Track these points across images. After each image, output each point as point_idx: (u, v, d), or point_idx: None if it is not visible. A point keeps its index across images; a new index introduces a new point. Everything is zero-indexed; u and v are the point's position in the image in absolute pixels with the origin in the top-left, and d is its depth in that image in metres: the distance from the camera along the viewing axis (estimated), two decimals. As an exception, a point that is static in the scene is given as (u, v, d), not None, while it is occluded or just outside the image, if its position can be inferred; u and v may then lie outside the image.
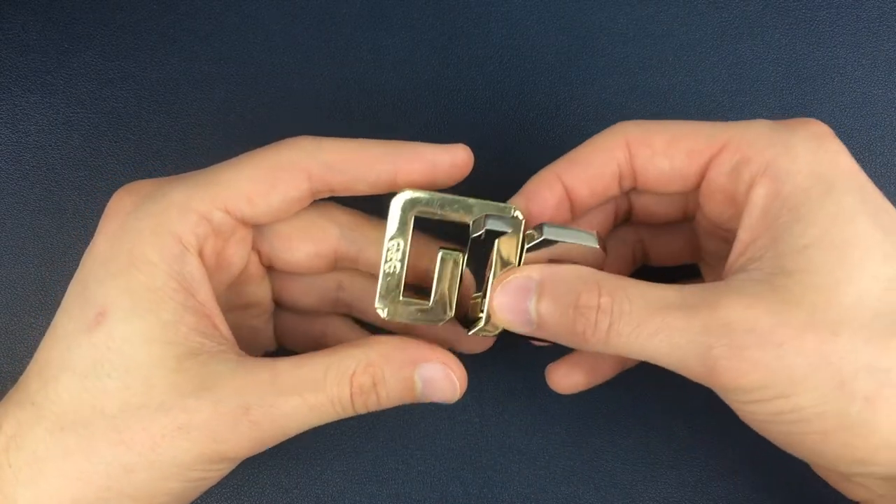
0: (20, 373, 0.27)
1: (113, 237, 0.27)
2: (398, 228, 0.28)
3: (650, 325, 0.25)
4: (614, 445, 0.35)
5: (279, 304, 0.32)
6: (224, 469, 0.27)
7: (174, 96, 0.38)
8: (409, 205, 0.28)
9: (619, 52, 0.38)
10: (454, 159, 0.28)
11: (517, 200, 0.29)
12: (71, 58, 0.38)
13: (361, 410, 0.27)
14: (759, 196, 0.26)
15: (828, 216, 0.25)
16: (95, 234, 0.27)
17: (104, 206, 0.28)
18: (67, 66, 0.38)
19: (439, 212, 0.28)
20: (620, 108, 0.38)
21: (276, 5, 0.39)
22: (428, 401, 0.28)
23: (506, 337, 0.29)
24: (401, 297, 0.28)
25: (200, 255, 0.27)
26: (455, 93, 0.38)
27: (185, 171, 0.37)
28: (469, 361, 0.29)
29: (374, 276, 0.30)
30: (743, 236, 0.26)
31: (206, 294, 0.27)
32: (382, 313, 0.28)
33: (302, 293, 0.32)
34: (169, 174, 0.37)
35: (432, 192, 0.28)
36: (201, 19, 0.39)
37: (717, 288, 0.25)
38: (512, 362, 0.35)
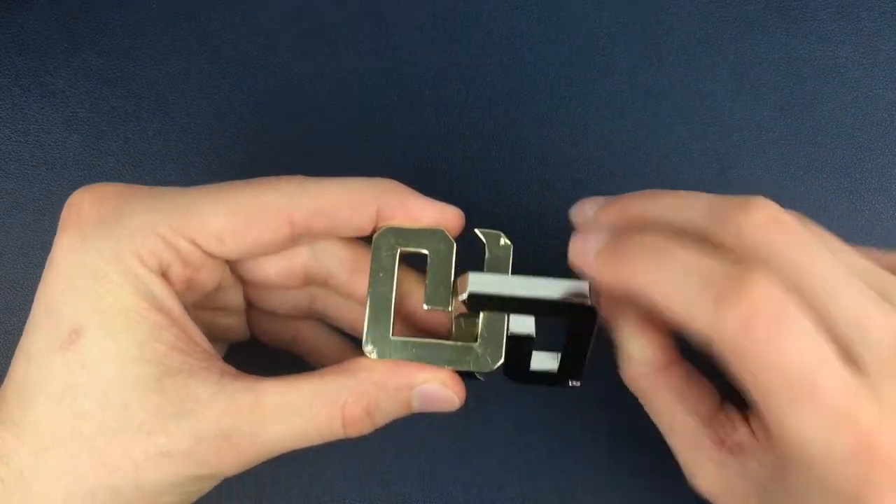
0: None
1: (74, 252, 0.26)
2: (383, 264, 0.27)
3: None
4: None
5: (253, 307, 0.32)
6: (215, 481, 0.27)
7: (174, 96, 0.38)
8: (393, 242, 0.27)
9: (619, 51, 0.38)
10: (440, 219, 0.27)
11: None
12: (71, 58, 0.38)
13: (353, 435, 0.27)
14: None
15: None
16: (55, 242, 0.27)
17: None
18: (67, 66, 0.38)
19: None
20: (620, 108, 0.38)
21: (276, 5, 0.39)
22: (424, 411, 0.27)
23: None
24: (391, 335, 0.27)
25: (166, 276, 0.26)
26: (455, 92, 0.38)
27: (184, 171, 0.38)
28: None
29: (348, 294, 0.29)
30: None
31: (178, 311, 0.26)
32: (371, 353, 0.27)
33: (275, 303, 0.32)
34: (169, 174, 0.37)
35: (415, 228, 0.27)
36: (201, 19, 0.39)
37: None
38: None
